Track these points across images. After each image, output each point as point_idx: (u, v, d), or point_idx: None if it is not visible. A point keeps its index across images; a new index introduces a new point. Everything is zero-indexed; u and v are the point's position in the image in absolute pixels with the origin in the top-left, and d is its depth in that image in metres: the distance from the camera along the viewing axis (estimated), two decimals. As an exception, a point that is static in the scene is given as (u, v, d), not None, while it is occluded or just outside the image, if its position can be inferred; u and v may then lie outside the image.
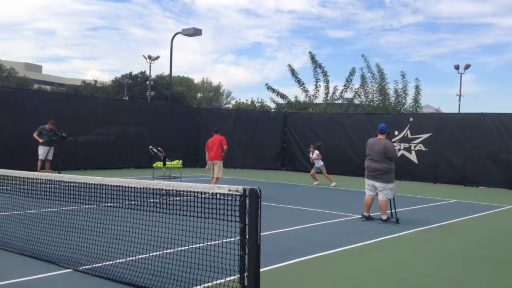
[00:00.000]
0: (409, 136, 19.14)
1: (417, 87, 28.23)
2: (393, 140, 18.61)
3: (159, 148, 13.78)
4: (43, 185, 6.43)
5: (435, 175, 18.62)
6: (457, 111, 35.58)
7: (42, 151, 14.67)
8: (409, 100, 28.55)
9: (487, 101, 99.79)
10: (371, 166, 9.25)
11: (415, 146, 19.02)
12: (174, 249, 5.29)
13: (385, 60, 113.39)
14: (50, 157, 14.78)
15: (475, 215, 10.71)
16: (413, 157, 19.02)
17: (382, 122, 10.40)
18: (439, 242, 7.74)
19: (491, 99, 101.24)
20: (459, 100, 41.12)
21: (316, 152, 16.07)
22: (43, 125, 14.83)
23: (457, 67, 40.05)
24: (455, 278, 5.65)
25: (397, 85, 28.20)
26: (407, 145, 19.11)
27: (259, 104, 34.84)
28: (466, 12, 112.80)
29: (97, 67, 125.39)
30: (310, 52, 29.29)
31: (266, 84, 29.57)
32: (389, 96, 28.46)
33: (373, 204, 9.36)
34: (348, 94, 29.51)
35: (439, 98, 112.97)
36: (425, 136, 18.80)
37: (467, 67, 40.16)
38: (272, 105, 31.97)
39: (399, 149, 18.83)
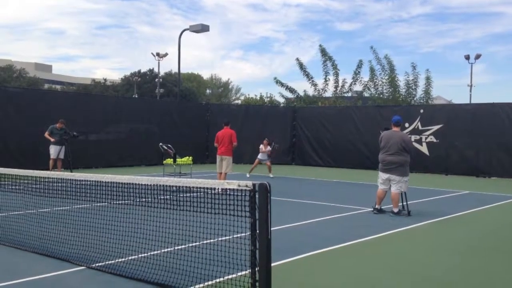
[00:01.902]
0: (420, 127, 19.01)
1: (428, 78, 27.99)
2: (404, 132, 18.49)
3: (169, 145, 13.81)
4: (55, 184, 6.49)
5: (446, 167, 18.50)
6: (468, 102, 35.27)
7: (53, 150, 14.80)
8: (420, 92, 28.35)
9: (498, 91, 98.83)
10: (386, 159, 9.15)
11: (426, 138, 18.89)
12: (185, 245, 5.32)
13: (394, 52, 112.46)
14: (61, 156, 14.91)
15: (488, 206, 10.63)
16: (424, 149, 18.90)
17: (395, 115, 10.30)
18: (451, 234, 7.69)
19: (502, 88, 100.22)
20: (470, 91, 40.82)
21: (269, 147, 16.55)
22: (54, 125, 14.96)
23: (467, 57, 39.65)
24: (467, 271, 5.62)
25: (407, 77, 27.99)
26: (418, 137, 18.99)
27: (268, 99, 34.78)
28: (475, 1, 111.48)
29: (106, 66, 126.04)
30: (320, 45, 29.19)
31: (275, 79, 29.49)
32: (399, 88, 28.26)
33: (385, 197, 9.32)
34: (357, 87, 29.39)
35: (450, 89, 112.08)
36: (436, 127, 18.67)
37: (477, 57, 39.72)
38: (281, 100, 31.94)
39: (412, 141, 18.69)
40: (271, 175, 16.47)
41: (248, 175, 16.12)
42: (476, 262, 6.03)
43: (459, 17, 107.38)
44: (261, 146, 16.78)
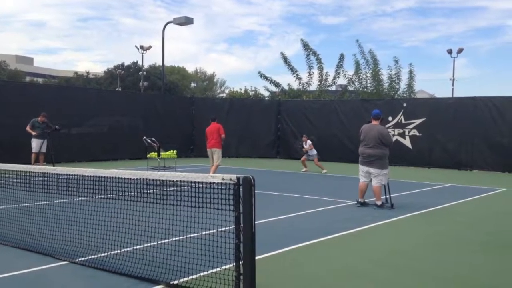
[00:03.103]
0: (403, 121, 19.19)
1: (410, 72, 28.24)
2: (387, 125, 18.66)
3: (153, 139, 13.73)
4: (37, 178, 6.41)
5: (429, 160, 18.72)
6: (450, 96, 35.65)
7: (35, 144, 14.61)
8: (403, 86, 28.58)
9: (480, 85, 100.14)
10: (365, 152, 9.27)
11: (409, 132, 19.08)
12: (169, 239, 5.30)
13: (378, 46, 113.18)
14: (43, 149, 14.73)
15: (470, 199, 10.79)
16: (407, 142, 19.09)
17: (376, 108, 10.43)
18: (433, 226, 7.80)
19: (484, 83, 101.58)
20: (453, 85, 41.21)
21: (309, 142, 16.25)
22: (36, 118, 14.76)
23: (450, 52, 40.01)
24: (450, 263, 5.70)
25: (390, 71, 28.20)
26: (401, 131, 19.17)
27: (253, 92, 34.77)
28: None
29: (89, 58, 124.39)
30: (302, 40, 29.25)
31: (259, 72, 29.47)
32: (383, 82, 28.45)
33: (368, 190, 9.40)
34: (341, 81, 29.53)
35: (432, 83, 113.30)
36: (418, 121, 18.86)
37: (460, 51, 40.10)
38: (266, 94, 31.94)
39: (393, 135, 18.87)
40: (323, 171, 15.91)
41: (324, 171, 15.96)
42: (459, 253, 6.12)
43: (442, 11, 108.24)
44: (304, 145, 16.29)
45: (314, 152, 16.19)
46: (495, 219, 8.66)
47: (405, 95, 28.09)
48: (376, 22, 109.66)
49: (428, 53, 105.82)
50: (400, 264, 5.56)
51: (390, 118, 19.20)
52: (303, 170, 16.36)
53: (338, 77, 28.93)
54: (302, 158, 16.57)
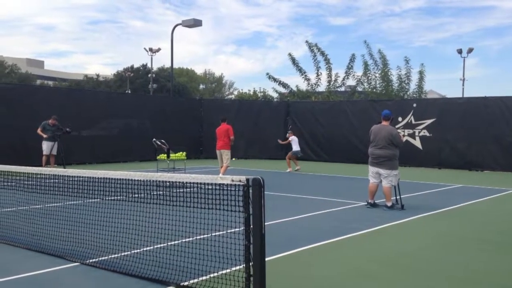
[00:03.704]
0: (413, 122, 19.07)
1: (421, 72, 28.05)
2: (397, 126, 18.55)
3: (163, 141, 13.77)
4: (48, 180, 6.45)
5: (439, 161, 18.58)
6: (460, 96, 35.40)
7: (46, 146, 14.73)
8: (413, 86, 28.42)
9: (490, 84, 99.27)
10: (375, 153, 9.21)
11: (419, 132, 18.96)
12: (179, 240, 5.30)
13: (387, 46, 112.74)
14: (54, 152, 14.83)
15: (480, 199, 10.69)
16: (417, 143, 18.97)
17: (386, 109, 10.36)
18: (444, 227, 7.73)
19: (494, 82, 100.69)
20: (463, 85, 40.99)
21: (295, 138, 16.75)
22: (46, 121, 14.88)
23: (460, 51, 39.79)
24: (463, 263, 5.65)
25: (400, 71, 28.05)
26: (411, 131, 19.05)
27: (261, 94, 34.75)
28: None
29: (99, 61, 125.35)
30: (307, 41, 29.26)
31: (267, 74, 29.48)
32: (392, 82, 28.31)
33: (378, 191, 9.35)
34: (351, 82, 29.45)
35: (442, 83, 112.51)
36: (429, 121, 18.73)
37: (470, 51, 39.85)
38: (275, 95, 31.91)
39: (403, 135, 18.76)
40: (288, 170, 16.49)
41: (289, 170, 16.36)
42: (471, 253, 6.07)
43: (451, 11, 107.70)
44: (289, 138, 16.78)
45: (297, 149, 16.58)
46: (508, 219, 8.57)
47: (415, 95, 27.93)
48: (384, 22, 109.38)
49: (437, 53, 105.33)
50: (412, 265, 5.51)
51: (400, 119, 19.09)
52: (296, 168, 16.67)
53: (348, 77, 28.85)
54: (288, 156, 16.83)
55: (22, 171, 6.41)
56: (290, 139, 16.95)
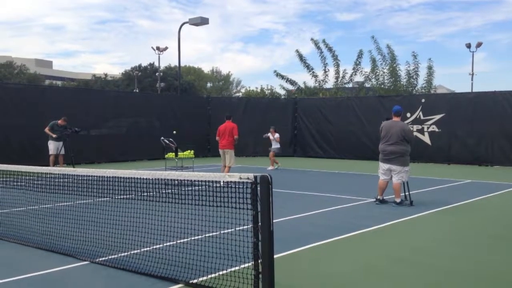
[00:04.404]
0: (422, 117, 18.97)
1: (429, 67, 27.80)
2: (405, 122, 18.44)
3: (171, 139, 13.83)
4: (57, 180, 6.49)
5: (448, 156, 18.47)
6: (469, 91, 35.12)
7: (53, 146, 14.79)
8: (421, 81, 28.21)
9: (500, 79, 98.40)
10: (387, 149, 9.13)
11: (428, 128, 18.85)
12: (188, 238, 5.32)
13: (395, 42, 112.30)
14: (62, 151, 14.90)
15: (490, 195, 10.62)
16: (426, 138, 18.87)
17: (396, 105, 10.26)
18: (453, 223, 7.69)
19: (504, 76, 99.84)
20: (472, 79, 40.62)
21: (277, 135, 16.54)
22: (55, 121, 14.95)
23: (468, 46, 39.47)
24: (470, 259, 5.62)
25: (408, 67, 27.86)
26: (420, 127, 18.95)
27: (269, 91, 34.71)
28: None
29: (107, 61, 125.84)
30: (312, 39, 29.13)
31: (275, 71, 29.46)
32: (400, 78, 28.14)
33: (387, 187, 9.31)
34: (358, 78, 29.31)
35: (451, 78, 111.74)
36: (438, 117, 18.62)
37: (478, 45, 39.53)
38: (282, 92, 31.87)
39: (413, 131, 18.64)
40: (276, 166, 16.40)
41: (270, 168, 16.23)
42: (480, 250, 6.03)
43: (458, 5, 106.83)
44: (270, 136, 16.67)
45: (278, 146, 16.50)
46: (518, 215, 8.50)
47: (423, 90, 27.74)
48: (392, 17, 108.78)
49: (446, 47, 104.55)
50: (422, 261, 5.49)
51: (408, 114, 18.98)
52: (276, 166, 16.50)
53: (355, 74, 28.74)
54: (270, 155, 16.68)
55: (31, 170, 6.46)
56: (276, 136, 16.66)
